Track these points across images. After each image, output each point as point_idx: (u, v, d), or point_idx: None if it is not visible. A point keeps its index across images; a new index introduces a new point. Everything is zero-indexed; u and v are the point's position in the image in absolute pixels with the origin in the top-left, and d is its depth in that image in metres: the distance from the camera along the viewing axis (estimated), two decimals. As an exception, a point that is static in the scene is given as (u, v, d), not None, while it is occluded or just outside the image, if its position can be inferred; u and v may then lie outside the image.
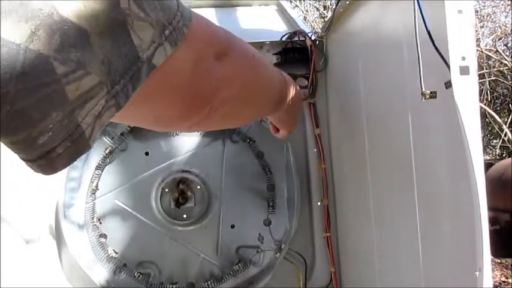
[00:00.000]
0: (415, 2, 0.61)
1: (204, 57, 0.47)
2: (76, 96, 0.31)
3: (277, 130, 1.03)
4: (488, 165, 1.46)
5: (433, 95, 0.60)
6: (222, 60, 0.52)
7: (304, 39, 1.27)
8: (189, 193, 1.26)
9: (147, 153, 1.27)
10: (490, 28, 5.12)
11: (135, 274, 1.25)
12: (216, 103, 0.52)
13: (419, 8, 0.61)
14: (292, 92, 0.84)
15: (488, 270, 0.57)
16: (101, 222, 1.27)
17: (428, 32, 0.60)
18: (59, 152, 0.32)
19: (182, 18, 0.41)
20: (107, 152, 1.25)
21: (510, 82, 4.72)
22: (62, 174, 1.24)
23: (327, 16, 4.97)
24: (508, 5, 4.86)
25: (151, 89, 0.40)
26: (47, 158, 0.32)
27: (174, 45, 0.39)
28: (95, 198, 1.26)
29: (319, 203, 1.30)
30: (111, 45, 0.33)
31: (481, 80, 4.42)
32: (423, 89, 0.60)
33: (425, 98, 0.60)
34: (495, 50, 4.55)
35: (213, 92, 0.51)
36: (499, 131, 4.24)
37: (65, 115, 0.31)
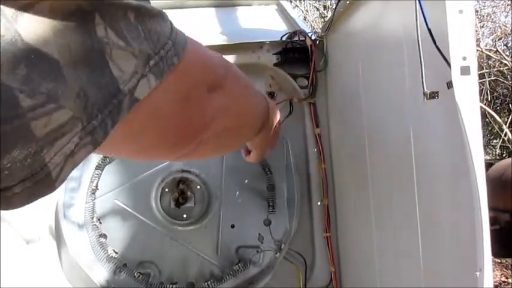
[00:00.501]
0: (416, 1, 0.61)
1: (197, 90, 0.45)
2: (44, 133, 0.28)
3: (249, 153, 0.94)
4: (488, 165, 1.46)
5: (435, 95, 0.60)
6: (215, 92, 0.49)
7: (304, 39, 1.27)
8: (189, 193, 1.26)
9: (147, 153, 1.27)
10: (490, 28, 5.12)
11: (135, 274, 1.25)
12: (206, 136, 0.50)
13: (421, 8, 0.61)
14: (273, 117, 0.80)
15: (488, 271, 0.57)
16: (100, 222, 1.27)
17: (430, 32, 0.60)
18: (16, 192, 0.28)
19: (174, 47, 0.38)
20: (106, 151, 1.25)
21: (510, 82, 4.72)
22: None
23: (327, 16, 4.97)
24: (508, 5, 4.87)
25: (134, 124, 0.37)
26: (1, 195, 0.28)
27: (159, 77, 0.36)
28: (94, 198, 1.26)
29: (319, 203, 1.30)
30: (87, 77, 0.30)
31: (481, 80, 4.42)
32: (425, 89, 0.60)
33: (427, 98, 0.60)
34: (495, 50, 4.56)
35: (204, 125, 0.48)
36: (499, 130, 4.24)
37: (29, 154, 0.28)
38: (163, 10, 0.40)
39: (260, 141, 0.86)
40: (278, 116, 0.85)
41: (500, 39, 4.92)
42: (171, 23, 0.40)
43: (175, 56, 0.38)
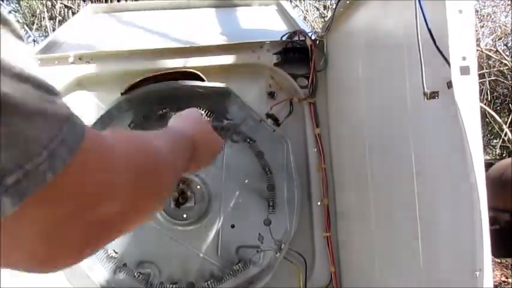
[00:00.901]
0: (416, 1, 0.61)
1: (76, 216, 0.34)
2: None
3: None
4: (488, 165, 1.46)
5: (434, 95, 0.60)
6: (109, 205, 0.38)
7: (304, 39, 1.27)
8: (189, 193, 1.26)
9: (147, 153, 1.27)
10: (490, 28, 5.12)
11: (135, 274, 1.25)
12: (90, 249, 0.39)
13: (421, 8, 0.61)
14: (202, 153, 0.72)
15: (488, 271, 0.57)
16: (100, 222, 1.27)
17: (430, 32, 0.60)
18: None
19: (50, 158, 0.29)
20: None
21: (510, 82, 4.72)
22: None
23: (327, 16, 4.97)
24: (508, 4, 4.86)
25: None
26: None
27: (17, 200, 0.28)
28: (94, 198, 1.26)
29: (319, 203, 1.30)
30: None
31: (481, 80, 4.42)
32: (425, 89, 0.60)
33: (427, 98, 0.60)
34: (495, 49, 4.55)
35: (79, 250, 0.37)
36: (499, 130, 4.24)
37: None
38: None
39: (192, 170, 0.78)
40: (211, 151, 0.78)
41: (500, 39, 4.92)
42: (62, 119, 0.31)
43: (49, 170, 0.29)
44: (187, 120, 0.77)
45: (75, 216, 0.34)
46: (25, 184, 0.28)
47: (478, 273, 0.58)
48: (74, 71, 1.28)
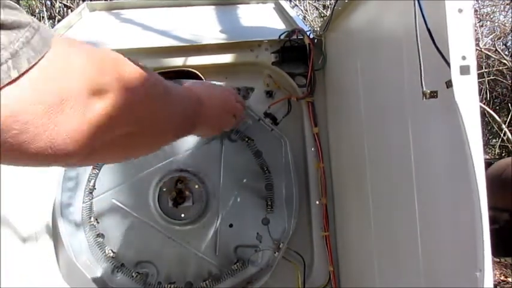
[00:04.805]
0: (415, 0, 0.61)
1: (69, 97, 0.40)
2: None
3: None
4: (487, 165, 1.46)
5: (434, 95, 0.60)
6: (104, 97, 0.46)
7: (302, 37, 1.26)
8: (187, 192, 1.26)
9: (145, 152, 1.26)
10: (489, 27, 5.12)
11: (133, 274, 1.25)
12: (97, 143, 0.47)
13: (420, 7, 0.61)
14: (208, 106, 0.80)
15: (488, 271, 0.57)
16: (98, 222, 1.26)
17: (429, 31, 0.60)
18: None
19: (13, 59, 0.35)
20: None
21: (509, 81, 4.73)
22: (59, 173, 1.24)
23: (326, 15, 4.96)
24: (507, 4, 4.86)
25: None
26: None
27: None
28: (92, 197, 1.26)
29: (317, 202, 1.29)
30: None
31: (480, 80, 4.42)
32: (424, 89, 0.60)
33: (426, 98, 0.60)
34: (494, 49, 4.55)
35: (90, 133, 0.44)
36: (498, 130, 4.24)
37: None
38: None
39: (205, 132, 0.91)
40: (219, 102, 0.87)
41: (499, 38, 4.92)
42: (23, 29, 0.37)
43: (14, 70, 0.35)
44: (191, 82, 0.86)
45: (69, 98, 0.40)
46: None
47: (478, 273, 0.58)
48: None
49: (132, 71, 0.53)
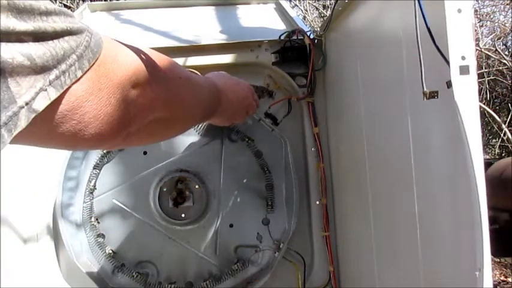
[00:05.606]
0: (416, 0, 0.61)
1: (115, 90, 0.48)
2: None
3: None
4: (487, 165, 1.46)
5: (434, 95, 0.60)
6: (142, 88, 0.54)
7: (302, 37, 1.26)
8: (187, 192, 1.26)
9: (145, 153, 1.27)
10: (489, 27, 5.12)
11: (134, 274, 1.25)
12: (133, 129, 0.55)
13: (420, 7, 0.61)
14: (227, 100, 0.91)
15: (488, 271, 0.57)
16: (98, 222, 1.26)
17: (429, 31, 0.60)
18: None
19: (79, 60, 0.41)
20: (104, 151, 1.24)
21: (509, 81, 4.72)
22: (60, 173, 1.24)
23: (326, 16, 4.96)
24: (507, 4, 4.87)
25: (44, 129, 0.41)
26: None
27: (60, 89, 0.39)
28: (92, 197, 1.26)
29: (317, 202, 1.30)
30: None
31: (480, 80, 4.42)
32: (424, 89, 0.60)
33: (426, 98, 0.60)
34: (494, 49, 4.55)
35: (129, 119, 0.53)
36: (498, 130, 4.24)
37: None
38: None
39: (218, 121, 1.01)
40: (238, 97, 0.97)
41: (499, 38, 4.92)
42: (83, 34, 0.43)
43: (79, 70, 0.42)
44: (211, 74, 0.94)
45: (115, 90, 0.48)
46: (63, 78, 0.40)
47: (477, 273, 0.58)
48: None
49: (165, 65, 0.61)
